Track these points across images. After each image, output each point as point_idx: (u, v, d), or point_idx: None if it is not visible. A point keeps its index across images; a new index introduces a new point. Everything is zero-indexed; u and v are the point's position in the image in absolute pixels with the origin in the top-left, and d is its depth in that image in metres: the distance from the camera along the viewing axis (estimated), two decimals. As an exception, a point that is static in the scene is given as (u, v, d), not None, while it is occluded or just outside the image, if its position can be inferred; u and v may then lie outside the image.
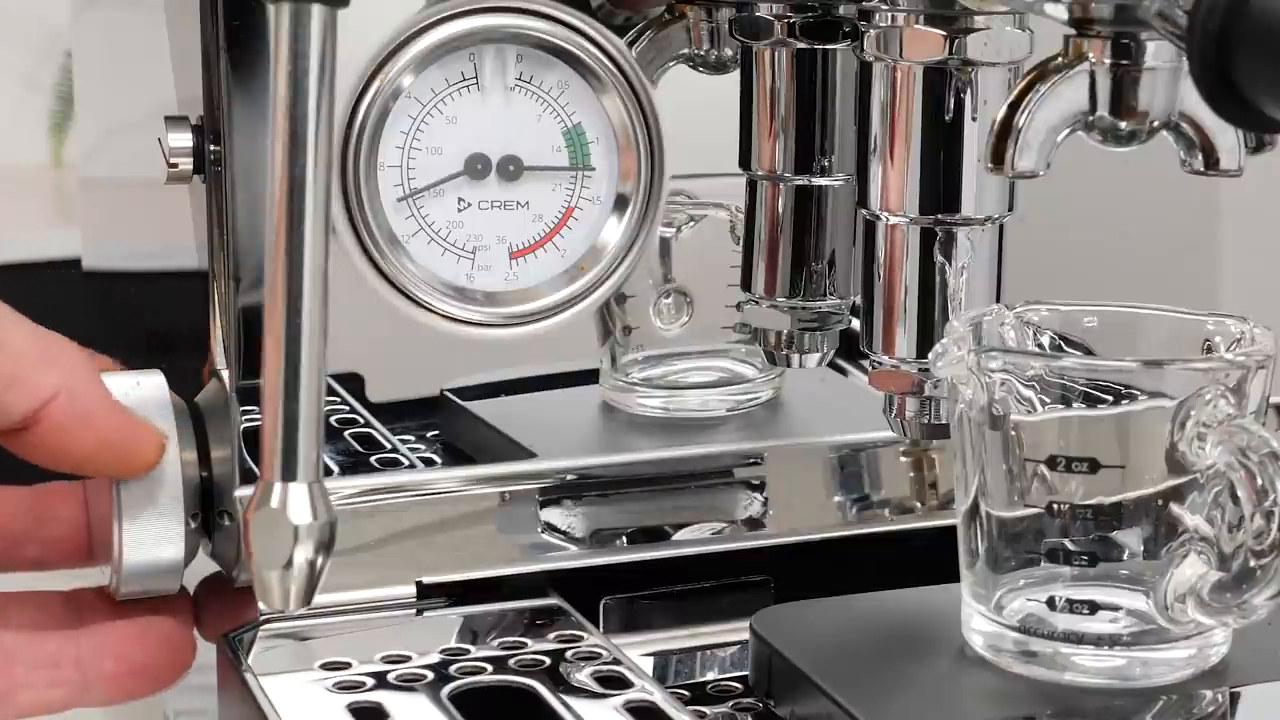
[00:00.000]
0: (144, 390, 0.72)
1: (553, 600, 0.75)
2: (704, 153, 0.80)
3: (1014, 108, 0.63)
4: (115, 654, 0.70)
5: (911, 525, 0.81)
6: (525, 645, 0.71)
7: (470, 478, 0.77)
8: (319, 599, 0.60)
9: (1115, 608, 0.65)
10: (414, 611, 0.74)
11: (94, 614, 0.72)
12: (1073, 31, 0.63)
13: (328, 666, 0.69)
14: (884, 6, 0.70)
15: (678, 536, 0.79)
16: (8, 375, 0.67)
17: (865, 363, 0.74)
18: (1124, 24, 0.61)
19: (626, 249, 0.75)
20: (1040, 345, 0.69)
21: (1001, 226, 0.72)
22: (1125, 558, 0.65)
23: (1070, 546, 0.65)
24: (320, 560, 0.59)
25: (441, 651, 0.71)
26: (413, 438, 0.82)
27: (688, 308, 0.84)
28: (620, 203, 0.75)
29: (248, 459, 0.73)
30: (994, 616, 0.67)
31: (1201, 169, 0.64)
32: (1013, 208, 0.71)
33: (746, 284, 0.79)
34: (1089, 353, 0.69)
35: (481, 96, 0.73)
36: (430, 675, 0.69)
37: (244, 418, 0.73)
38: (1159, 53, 0.62)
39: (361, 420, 0.81)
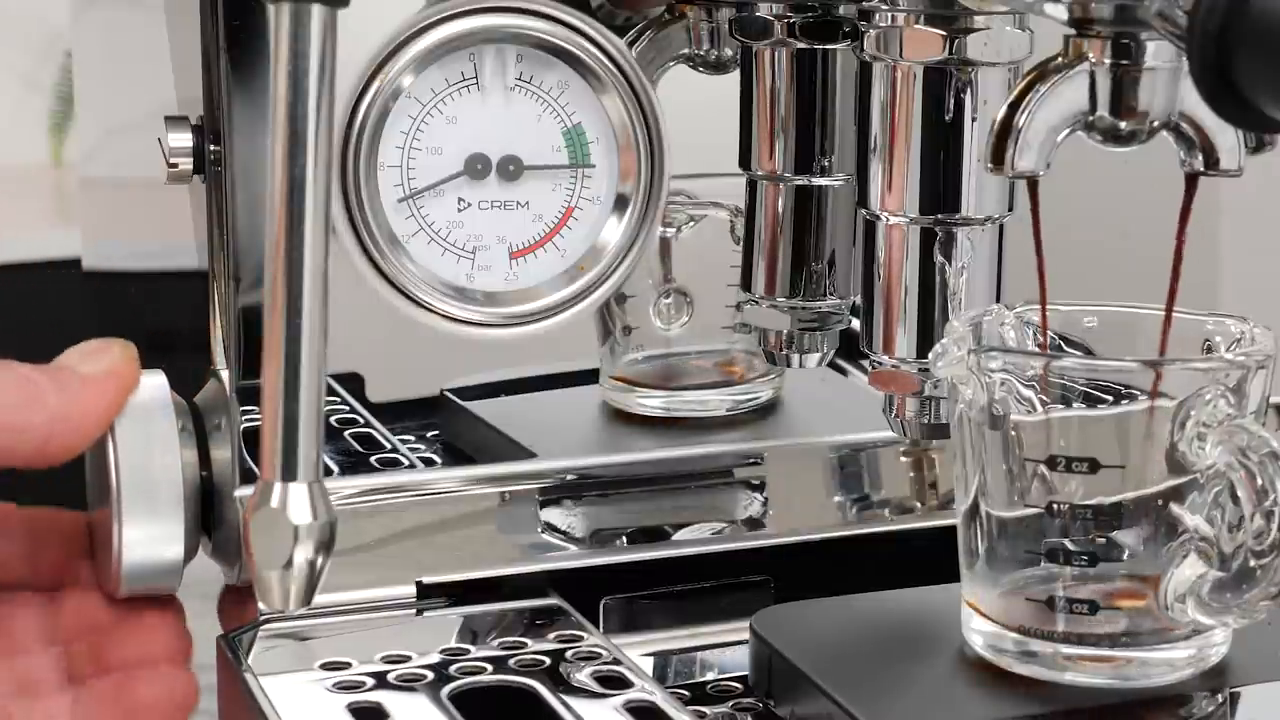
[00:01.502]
0: (144, 390, 0.72)
1: (553, 600, 0.75)
2: (704, 153, 0.80)
3: (1014, 108, 0.63)
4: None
5: (911, 525, 0.81)
6: (525, 645, 0.71)
7: (470, 478, 0.77)
8: (319, 599, 0.60)
9: (1115, 607, 0.65)
10: (414, 611, 0.74)
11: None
12: (1073, 31, 0.63)
13: (328, 666, 0.69)
14: (884, 6, 0.70)
15: (678, 536, 0.79)
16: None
17: (865, 363, 0.74)
18: (1124, 24, 0.61)
19: (626, 249, 0.75)
20: (1039, 345, 0.69)
21: (1001, 226, 0.72)
22: (1125, 558, 0.65)
23: (1070, 546, 0.65)
24: (320, 560, 0.59)
25: (441, 651, 0.71)
26: (413, 438, 0.82)
27: (688, 308, 0.84)
28: (620, 203, 0.75)
29: (248, 459, 0.73)
30: (994, 616, 0.67)
31: (1201, 169, 0.64)
32: (1012, 208, 0.71)
33: (746, 284, 0.79)
34: (1089, 353, 0.69)
35: (481, 96, 0.73)
36: (430, 675, 0.69)
37: (244, 418, 0.73)
38: (1159, 53, 0.62)
39: (361, 420, 0.81)
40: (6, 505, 0.73)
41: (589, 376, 0.85)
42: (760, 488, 0.81)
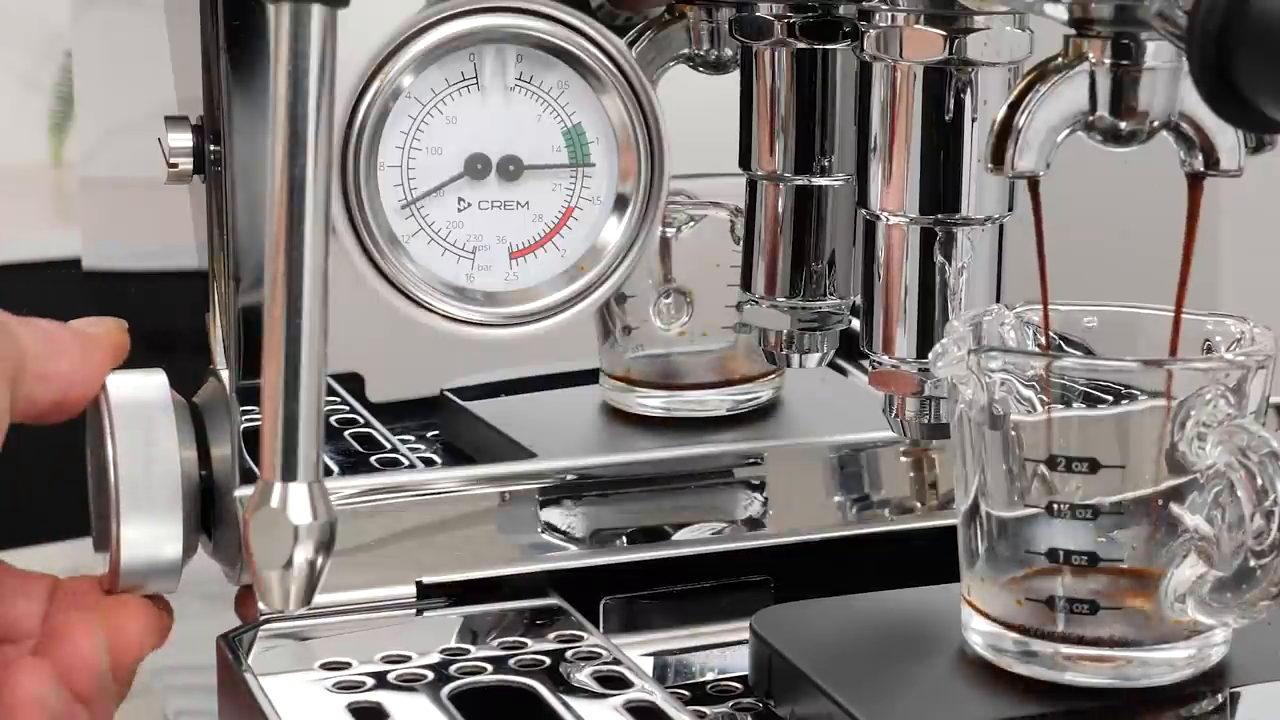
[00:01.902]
0: (144, 390, 0.72)
1: (553, 600, 0.75)
2: (704, 153, 0.80)
3: (1014, 108, 0.63)
4: None
5: (911, 525, 0.81)
6: (525, 645, 0.71)
7: (470, 478, 0.77)
8: (319, 599, 0.60)
9: (1116, 607, 0.65)
10: (414, 611, 0.74)
11: None
12: (1073, 31, 0.63)
13: (328, 666, 0.69)
14: (884, 6, 0.70)
15: (678, 536, 0.79)
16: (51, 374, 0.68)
17: (865, 363, 0.74)
18: (1124, 24, 0.61)
19: (626, 249, 0.75)
20: (1040, 345, 0.69)
21: (1001, 226, 0.72)
22: (1125, 558, 0.65)
23: (1070, 546, 0.65)
24: (320, 560, 0.59)
25: (441, 651, 0.71)
26: (413, 438, 0.82)
27: (688, 308, 0.84)
28: (620, 202, 0.75)
29: (248, 459, 0.73)
30: (994, 616, 0.67)
31: (1201, 169, 0.64)
32: (1012, 208, 0.71)
33: (746, 284, 0.79)
34: (1089, 353, 0.69)
35: (481, 96, 0.73)
36: (430, 675, 0.69)
37: (244, 418, 0.73)
38: (1159, 53, 0.62)
39: (361, 420, 0.81)
40: (31, 572, 0.73)
41: (589, 376, 0.85)
42: (760, 488, 0.81)
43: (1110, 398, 0.64)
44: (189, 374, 0.76)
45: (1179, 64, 0.62)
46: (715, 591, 0.78)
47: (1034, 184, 0.64)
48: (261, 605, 0.59)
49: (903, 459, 0.83)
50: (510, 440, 0.81)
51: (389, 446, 0.80)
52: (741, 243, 0.80)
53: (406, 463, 0.80)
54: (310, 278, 0.58)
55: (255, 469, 0.70)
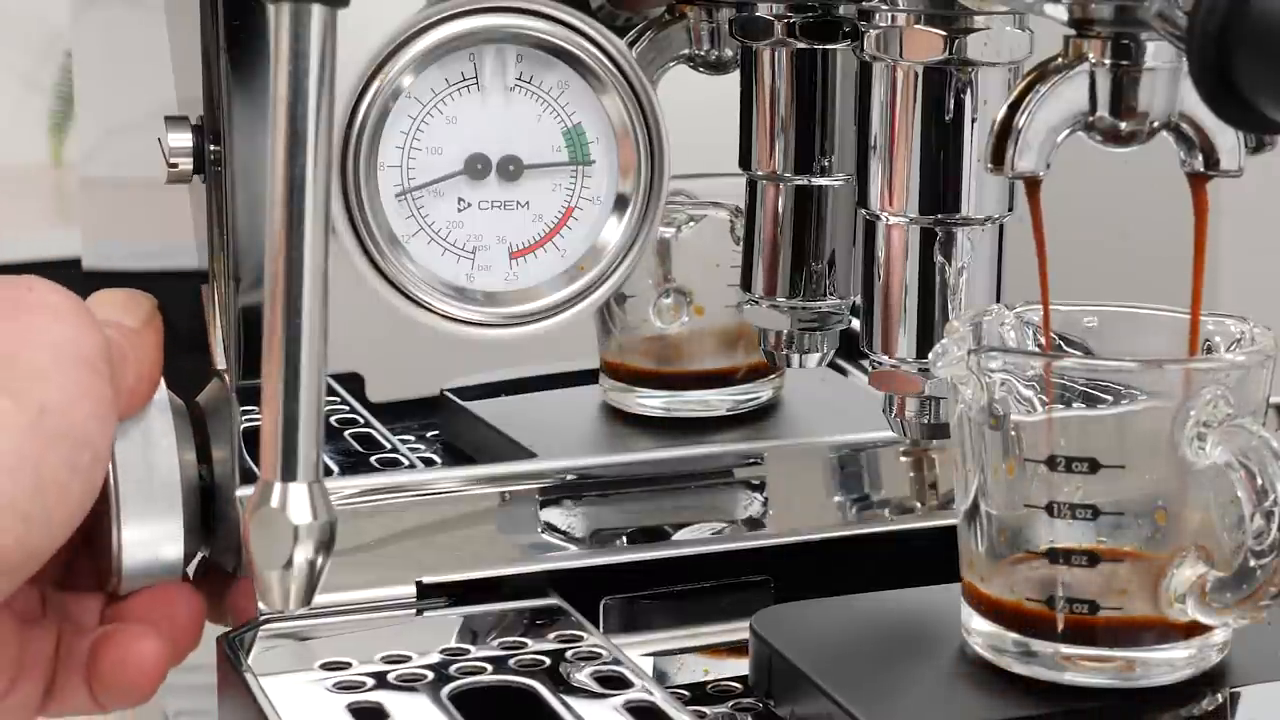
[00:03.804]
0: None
1: (553, 600, 0.75)
2: (704, 153, 0.80)
3: (1014, 108, 0.63)
4: None
5: (911, 525, 0.81)
6: (525, 645, 0.71)
7: (470, 478, 0.77)
8: (319, 599, 0.60)
9: (1116, 607, 0.65)
10: (414, 611, 0.74)
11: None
12: (1073, 32, 0.63)
13: (328, 666, 0.69)
14: (884, 6, 0.70)
15: (678, 536, 0.79)
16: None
17: (865, 363, 0.74)
18: (1124, 24, 0.61)
19: (626, 249, 0.75)
20: (1040, 345, 0.69)
21: (1001, 226, 0.72)
22: (1125, 558, 0.65)
23: (1070, 546, 0.65)
24: (320, 560, 0.59)
25: (441, 651, 0.71)
26: (413, 438, 0.82)
27: (688, 308, 0.84)
28: (620, 202, 0.75)
29: (248, 459, 0.73)
30: (994, 616, 0.67)
31: (1201, 169, 0.64)
32: (1012, 208, 0.72)
33: (746, 284, 0.79)
34: (1089, 353, 0.69)
35: (481, 96, 0.73)
36: (430, 675, 0.69)
37: (244, 418, 0.73)
38: (1159, 53, 0.62)
39: (361, 420, 0.81)
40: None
41: (589, 376, 0.85)
42: (760, 488, 0.81)
43: (1110, 398, 0.64)
44: (189, 374, 0.76)
45: (1179, 64, 0.62)
46: (715, 591, 0.78)
47: (1033, 184, 0.64)
48: (261, 605, 0.59)
49: (903, 459, 0.83)
50: (510, 440, 0.81)
51: (389, 446, 0.80)
52: (741, 243, 0.80)
53: (406, 463, 0.80)
54: (310, 278, 0.58)
55: (255, 469, 0.70)
